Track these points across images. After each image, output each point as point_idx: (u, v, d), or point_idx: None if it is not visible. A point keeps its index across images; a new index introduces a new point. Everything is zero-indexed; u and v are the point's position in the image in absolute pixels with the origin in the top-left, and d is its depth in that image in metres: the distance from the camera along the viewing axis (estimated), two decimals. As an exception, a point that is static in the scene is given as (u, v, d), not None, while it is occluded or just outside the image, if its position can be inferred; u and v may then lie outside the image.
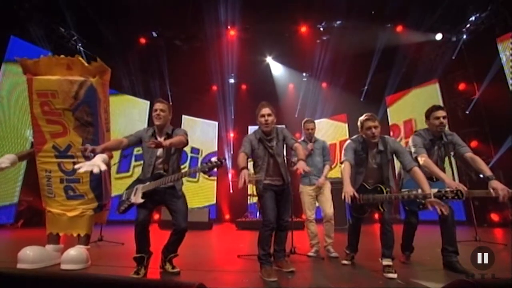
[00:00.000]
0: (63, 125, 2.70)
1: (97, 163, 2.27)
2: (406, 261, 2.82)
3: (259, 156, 2.56)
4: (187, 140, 2.51)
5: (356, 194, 2.37)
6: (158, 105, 2.53)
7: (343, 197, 2.39)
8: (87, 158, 2.54)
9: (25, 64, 2.65)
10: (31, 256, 2.48)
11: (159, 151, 2.48)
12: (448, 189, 2.17)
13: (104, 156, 2.43)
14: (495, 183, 2.22)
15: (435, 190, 2.23)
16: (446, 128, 2.67)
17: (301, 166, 2.30)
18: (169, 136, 2.52)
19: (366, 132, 2.56)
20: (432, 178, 2.55)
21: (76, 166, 2.30)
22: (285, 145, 2.68)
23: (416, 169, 2.39)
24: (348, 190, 2.37)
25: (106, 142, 2.64)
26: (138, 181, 2.48)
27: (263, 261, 2.34)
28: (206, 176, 9.42)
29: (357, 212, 2.68)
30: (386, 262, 2.36)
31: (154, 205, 2.46)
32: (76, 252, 2.55)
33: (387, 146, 2.57)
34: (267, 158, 2.56)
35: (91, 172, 2.27)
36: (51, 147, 2.71)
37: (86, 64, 2.71)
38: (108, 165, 2.94)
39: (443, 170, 2.65)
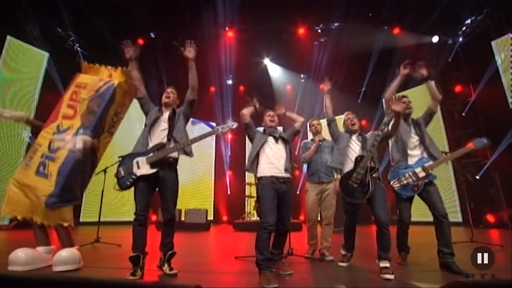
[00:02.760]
0: (76, 110, 2.90)
1: (76, 140, 2.55)
2: (403, 263, 2.81)
3: (260, 140, 2.66)
4: (196, 95, 2.71)
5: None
6: (169, 89, 2.80)
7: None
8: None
9: (85, 66, 3.14)
10: (22, 258, 2.44)
11: (163, 125, 2.57)
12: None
13: (87, 138, 2.59)
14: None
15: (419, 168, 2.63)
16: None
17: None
18: (174, 111, 2.67)
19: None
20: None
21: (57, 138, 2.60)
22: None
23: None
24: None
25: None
26: (133, 155, 2.45)
27: (262, 266, 2.20)
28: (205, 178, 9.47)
29: (351, 197, 2.58)
30: (383, 264, 2.36)
31: (150, 190, 2.45)
32: (67, 253, 2.54)
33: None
34: (272, 144, 2.62)
35: (68, 154, 2.54)
36: (56, 126, 2.85)
37: (123, 68, 3.08)
38: (94, 153, 2.87)
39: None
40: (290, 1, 7.23)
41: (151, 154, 2.40)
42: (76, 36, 7.63)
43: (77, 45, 7.77)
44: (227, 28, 8.16)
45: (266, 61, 9.55)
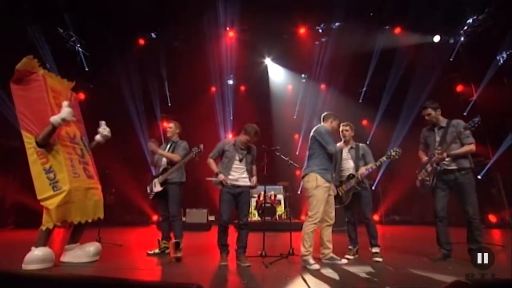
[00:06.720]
0: None
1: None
2: (435, 258, 2.88)
3: (228, 156, 3.06)
4: (178, 159, 3.35)
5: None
6: (169, 123, 3.68)
7: None
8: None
9: (34, 63, 2.91)
10: (40, 256, 2.52)
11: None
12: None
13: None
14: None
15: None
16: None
17: (254, 180, 3.08)
18: (173, 142, 3.57)
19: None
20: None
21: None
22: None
23: None
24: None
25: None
26: (154, 177, 3.47)
27: (221, 249, 2.96)
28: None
29: (339, 202, 3.26)
30: (374, 249, 3.03)
31: (165, 199, 3.38)
32: (95, 247, 3.03)
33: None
34: (235, 159, 3.04)
35: (90, 156, 3.23)
36: (65, 133, 3.01)
37: (59, 78, 3.26)
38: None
39: None
40: (291, 1, 7.22)
41: (160, 177, 3.36)
42: (77, 36, 7.64)
43: (78, 45, 7.79)
44: (228, 28, 8.15)
45: (267, 61, 9.53)
